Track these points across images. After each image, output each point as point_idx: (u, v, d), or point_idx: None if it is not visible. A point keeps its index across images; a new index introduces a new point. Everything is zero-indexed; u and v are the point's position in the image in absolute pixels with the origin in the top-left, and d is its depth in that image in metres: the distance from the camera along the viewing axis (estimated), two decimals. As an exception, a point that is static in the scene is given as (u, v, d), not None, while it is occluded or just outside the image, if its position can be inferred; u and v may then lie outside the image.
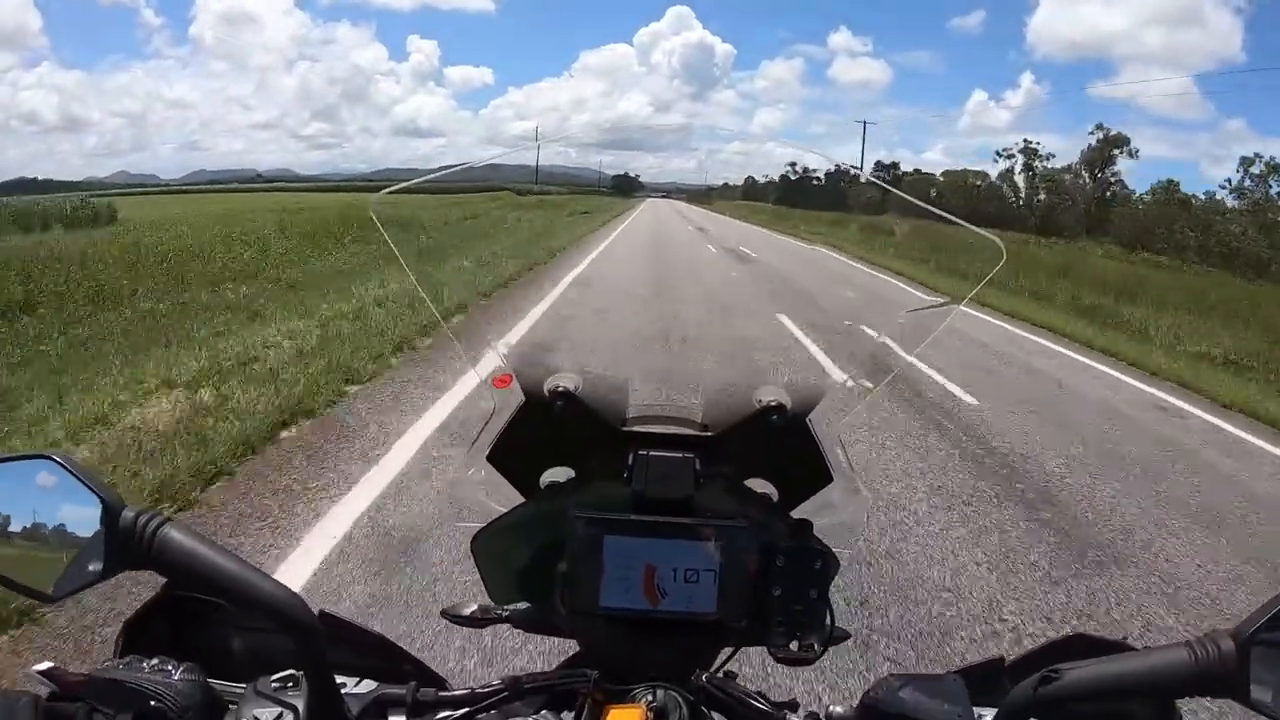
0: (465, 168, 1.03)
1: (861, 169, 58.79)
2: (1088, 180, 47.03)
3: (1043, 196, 48.46)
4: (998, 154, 53.33)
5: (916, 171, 67.30)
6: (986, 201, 50.72)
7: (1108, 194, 45.89)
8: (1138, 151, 47.48)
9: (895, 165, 67.97)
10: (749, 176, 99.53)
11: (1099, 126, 47.83)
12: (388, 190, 0.82)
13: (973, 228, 0.72)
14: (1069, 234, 40.81)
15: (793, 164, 79.65)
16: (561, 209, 35.15)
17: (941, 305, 0.81)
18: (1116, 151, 46.68)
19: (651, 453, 0.68)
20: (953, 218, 0.78)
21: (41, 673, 0.55)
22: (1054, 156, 51.27)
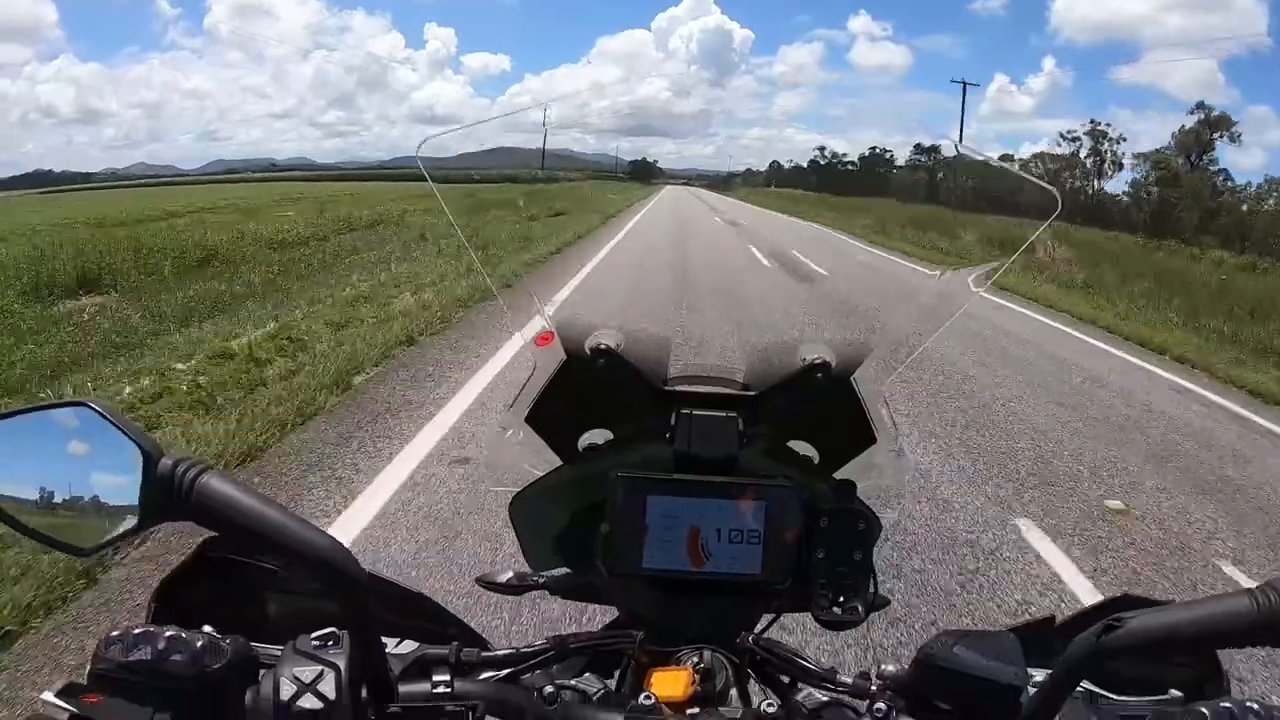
0: (502, 118, 1.05)
1: (960, 139, 52.57)
2: (1183, 168, 37.85)
3: (1154, 189, 38.44)
4: (1062, 136, 46.24)
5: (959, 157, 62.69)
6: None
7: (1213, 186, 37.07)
8: (1240, 136, 39.64)
9: (935, 149, 62.26)
10: (774, 161, 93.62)
11: (1200, 105, 40.99)
12: (432, 135, 0.81)
13: (1030, 177, 0.71)
14: (1184, 234, 31.41)
15: (821, 148, 75.89)
16: (536, 204, 23.40)
17: (991, 263, 0.79)
18: (1217, 136, 38.06)
19: (695, 411, 0.68)
20: (1014, 169, 0.76)
21: (58, 694, 0.51)
22: (1125, 140, 44.31)
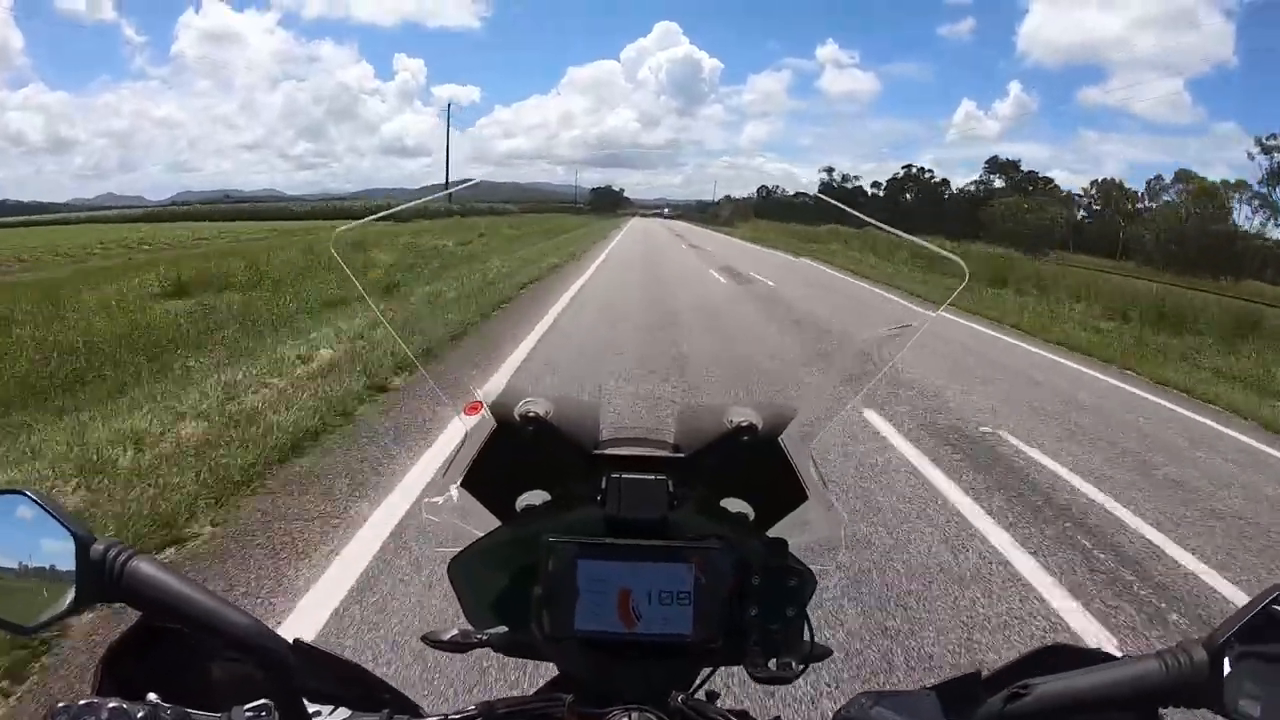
0: (423, 202, 1.06)
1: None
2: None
3: None
4: (1261, 144, 29.76)
5: (1034, 174, 46.50)
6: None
7: None
8: None
9: (1015, 164, 48.78)
10: (762, 187, 79.85)
11: None
12: (345, 228, 0.83)
13: (934, 248, 0.74)
14: None
15: (829, 169, 66.23)
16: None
17: (906, 327, 0.82)
18: None
19: (624, 475, 0.69)
20: (914, 238, 0.80)
21: None
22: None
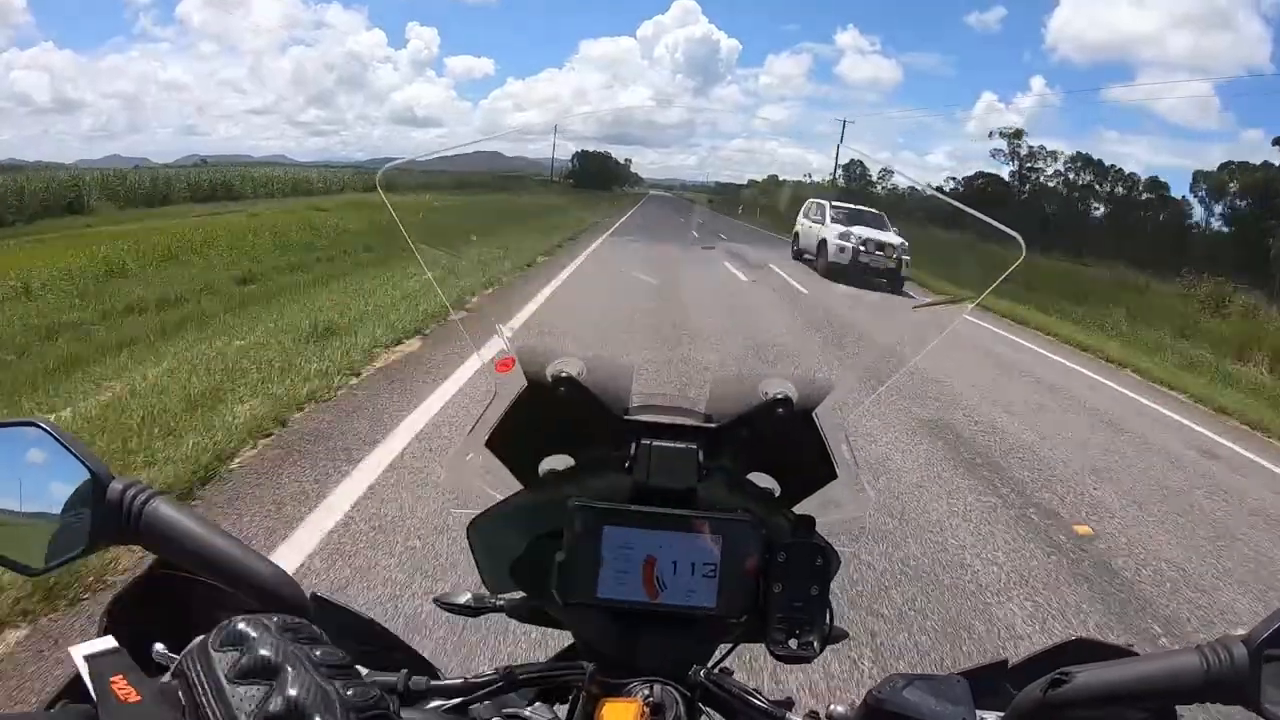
0: (468, 146, 1.00)
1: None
2: None
3: None
4: None
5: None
6: None
7: None
8: None
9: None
10: (854, 163, 50.48)
11: None
12: (392, 165, 0.81)
13: (993, 223, 0.72)
14: None
15: (1020, 133, 43.10)
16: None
17: (952, 303, 0.80)
18: None
19: (654, 442, 0.68)
20: (973, 210, 0.77)
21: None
22: None
